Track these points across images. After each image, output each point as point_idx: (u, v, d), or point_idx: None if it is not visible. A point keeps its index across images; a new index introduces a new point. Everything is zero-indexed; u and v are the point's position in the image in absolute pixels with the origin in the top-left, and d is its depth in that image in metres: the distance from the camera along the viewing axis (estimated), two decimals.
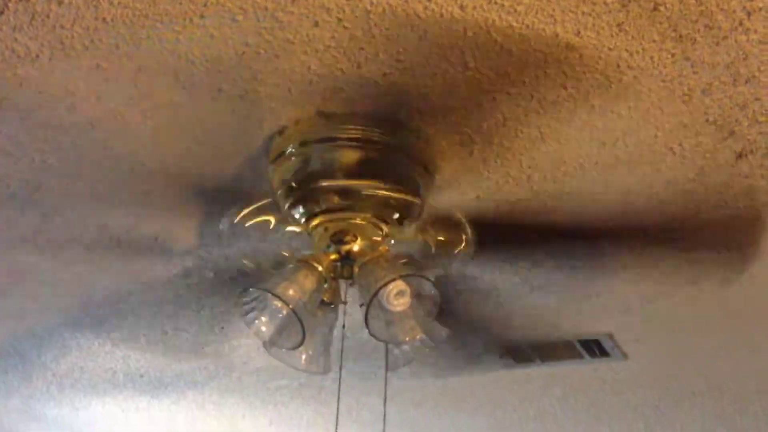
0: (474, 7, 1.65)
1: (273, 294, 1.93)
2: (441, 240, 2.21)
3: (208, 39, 1.74)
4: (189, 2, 1.65)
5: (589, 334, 3.05)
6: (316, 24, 1.70)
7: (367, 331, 1.94)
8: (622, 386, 3.52)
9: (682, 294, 2.73)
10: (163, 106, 1.95)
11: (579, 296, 2.77)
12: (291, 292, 1.94)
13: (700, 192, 2.18)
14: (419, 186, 2.07)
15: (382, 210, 2.06)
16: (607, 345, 3.10)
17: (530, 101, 1.90)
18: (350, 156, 2.01)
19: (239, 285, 2.74)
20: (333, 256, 2.06)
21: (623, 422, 3.89)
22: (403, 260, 2.16)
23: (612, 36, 1.71)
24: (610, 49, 1.74)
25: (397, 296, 1.91)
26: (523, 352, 3.21)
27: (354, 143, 2.00)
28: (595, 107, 1.91)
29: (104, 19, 1.70)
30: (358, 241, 2.05)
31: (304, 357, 2.12)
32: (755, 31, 1.68)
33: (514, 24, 1.69)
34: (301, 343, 1.95)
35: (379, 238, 2.07)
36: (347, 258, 2.05)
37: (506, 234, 2.40)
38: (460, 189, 2.20)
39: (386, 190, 2.03)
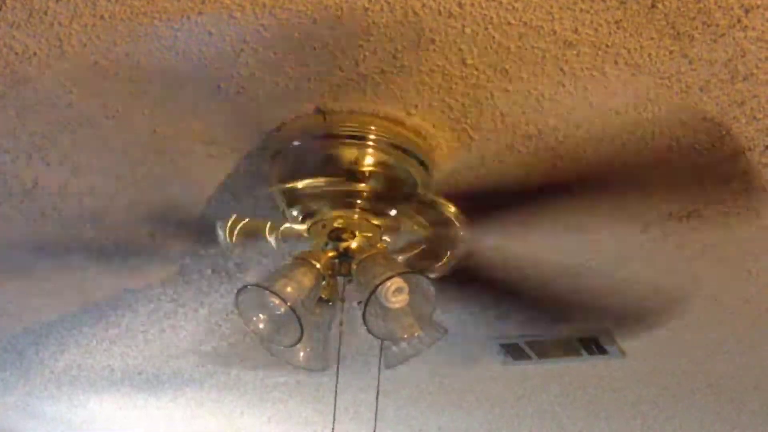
0: (472, 4, 1.65)
1: (271, 291, 1.93)
2: (438, 235, 2.21)
3: (206, 36, 1.74)
4: None
5: (587, 332, 3.05)
6: (315, 21, 1.70)
7: (365, 328, 1.94)
8: (620, 384, 3.52)
9: (680, 291, 2.73)
10: (161, 102, 1.95)
11: (577, 293, 2.77)
12: (289, 289, 1.94)
13: (698, 189, 2.18)
14: (417, 183, 2.07)
15: (380, 207, 2.06)
16: (605, 342, 3.10)
17: (528, 98, 1.90)
18: (348, 153, 2.01)
19: (237, 282, 2.74)
20: (331, 254, 2.05)
21: (621, 419, 3.89)
22: (402, 255, 2.16)
23: (610, 33, 1.71)
24: (608, 46, 1.74)
25: (395, 293, 1.91)
26: (520, 349, 3.21)
27: (352, 140, 2.00)
28: (593, 105, 1.91)
29: (102, 16, 1.70)
30: (356, 238, 2.05)
31: (302, 354, 2.13)
32: (753, 29, 1.68)
33: (512, 21, 1.69)
34: (299, 341, 1.95)
35: (377, 235, 2.07)
36: (345, 255, 2.05)
37: (504, 230, 2.40)
38: (458, 185, 2.20)
39: (384, 187, 2.03)
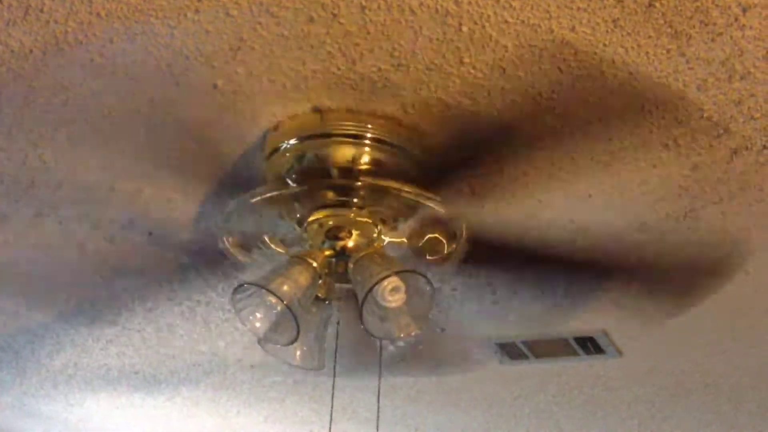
0: (469, 2, 1.65)
1: (267, 290, 1.92)
2: (434, 239, 2.20)
3: (202, 34, 1.74)
4: None
5: (583, 331, 3.05)
6: (311, 19, 1.70)
7: (361, 327, 1.93)
8: (617, 383, 3.52)
9: (676, 290, 2.73)
10: (158, 101, 1.95)
11: (574, 293, 2.77)
12: (285, 288, 1.94)
13: (695, 188, 2.18)
14: (414, 181, 2.06)
15: (376, 206, 2.05)
16: (602, 342, 3.10)
17: (525, 97, 1.90)
18: (345, 152, 2.01)
19: (234, 281, 2.73)
20: (328, 252, 2.05)
21: (618, 419, 3.89)
22: (399, 255, 2.16)
23: (607, 32, 1.71)
24: (605, 45, 1.74)
25: (392, 292, 1.91)
26: (518, 348, 3.21)
27: (349, 139, 2.00)
28: (589, 103, 1.91)
29: (98, 14, 1.69)
30: (353, 237, 2.05)
31: (298, 353, 2.12)
32: (750, 27, 1.68)
33: (510, 19, 1.68)
34: (295, 339, 1.95)
35: (374, 234, 2.07)
36: (342, 254, 2.05)
37: (502, 231, 2.40)
38: (456, 187, 2.20)
39: (381, 185, 2.03)
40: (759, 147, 2.03)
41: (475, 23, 1.70)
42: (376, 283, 1.90)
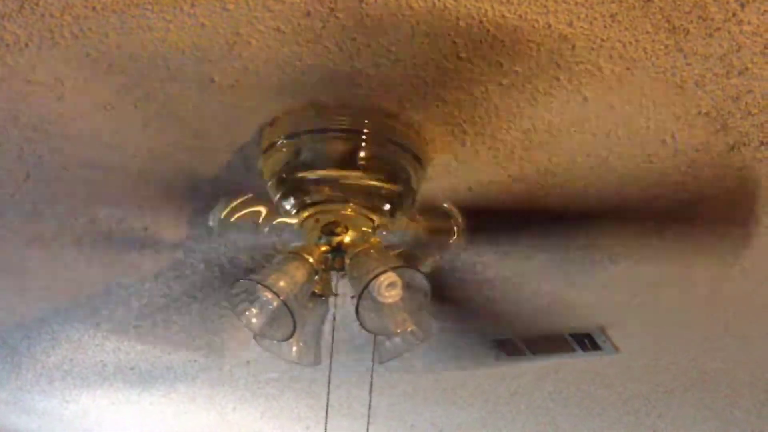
0: None
1: (264, 285, 1.92)
2: (432, 231, 2.20)
3: (198, 28, 1.73)
4: None
5: (580, 328, 3.05)
6: (308, 14, 1.69)
7: (358, 322, 1.93)
8: (614, 380, 3.52)
9: (674, 287, 2.73)
10: (153, 95, 1.94)
11: (571, 290, 2.77)
12: (282, 283, 1.93)
13: (693, 184, 2.18)
14: (411, 177, 2.06)
15: (373, 201, 2.05)
16: (598, 338, 3.10)
17: (523, 92, 1.89)
18: (341, 147, 2.00)
19: (230, 276, 2.73)
20: (324, 248, 2.05)
21: (615, 415, 3.89)
22: (395, 252, 2.16)
23: (605, 27, 1.70)
24: (603, 40, 1.74)
25: (389, 288, 1.91)
26: (514, 345, 3.21)
27: (345, 134, 2.00)
28: (587, 98, 1.90)
29: (94, 8, 1.69)
30: (350, 232, 2.04)
31: (294, 349, 2.12)
32: (749, 23, 1.68)
33: (507, 14, 1.68)
34: (291, 335, 1.94)
35: (370, 230, 2.06)
36: (338, 249, 2.04)
37: (498, 226, 2.39)
38: (452, 180, 2.19)
39: (378, 181, 2.03)
40: (756, 143, 2.02)
41: (473, 18, 1.69)
42: (373, 279, 1.89)
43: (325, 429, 2.79)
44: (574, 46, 1.75)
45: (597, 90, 1.88)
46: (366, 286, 1.89)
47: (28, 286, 2.89)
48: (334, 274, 2.11)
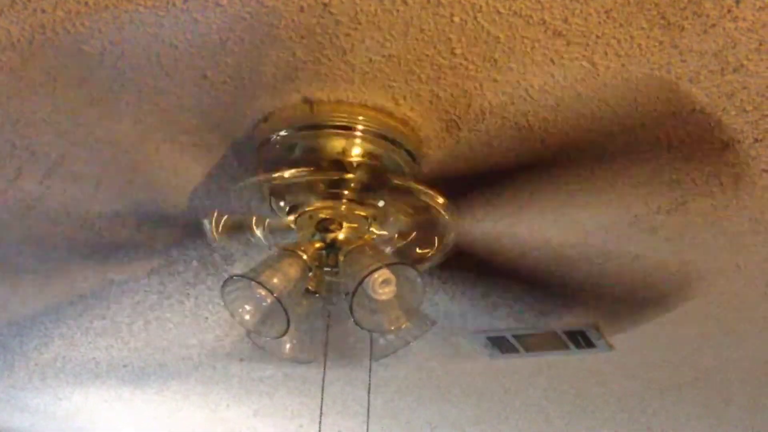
0: None
1: (257, 282, 1.92)
2: (426, 225, 2.19)
3: (191, 23, 1.73)
4: None
5: (574, 325, 3.05)
6: (302, 9, 1.69)
7: (352, 320, 1.92)
8: (607, 377, 3.52)
9: (666, 284, 2.73)
10: (147, 91, 1.93)
11: (563, 286, 2.76)
12: (275, 280, 1.93)
13: (687, 181, 2.18)
14: (405, 172, 2.06)
15: (367, 197, 2.04)
16: (592, 336, 3.10)
17: (517, 88, 1.89)
18: (335, 143, 2.00)
19: (223, 274, 2.72)
20: (318, 245, 2.05)
21: (608, 413, 3.89)
22: (390, 248, 2.15)
23: (600, 23, 1.70)
24: (597, 36, 1.73)
25: (383, 285, 1.90)
26: (508, 342, 3.21)
27: (339, 130, 1.99)
28: (582, 95, 1.90)
29: (86, 3, 1.68)
30: (344, 229, 2.04)
31: (288, 346, 2.12)
32: (744, 19, 1.67)
33: (502, 10, 1.67)
34: (285, 332, 1.94)
35: (364, 226, 2.06)
36: (332, 246, 2.04)
37: (492, 216, 2.39)
38: (447, 175, 2.19)
39: (372, 177, 2.02)
40: (751, 140, 2.02)
41: (467, 14, 1.69)
42: (367, 276, 1.89)
43: (319, 426, 2.79)
44: (568, 42, 1.75)
45: (591, 87, 1.87)
46: (360, 283, 1.88)
47: (21, 284, 2.88)
48: (327, 271, 2.10)
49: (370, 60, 1.82)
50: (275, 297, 1.90)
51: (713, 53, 1.77)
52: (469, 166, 2.15)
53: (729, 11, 1.66)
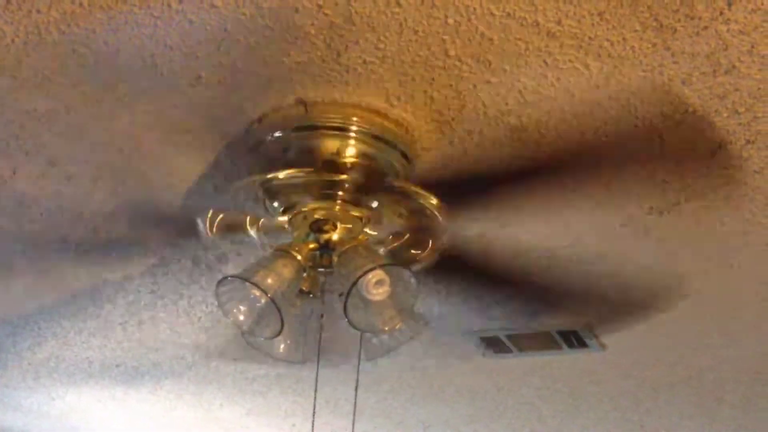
0: None
1: (251, 283, 1.92)
2: (419, 226, 2.20)
3: (186, 25, 1.73)
4: None
5: (567, 325, 3.05)
6: (296, 10, 1.69)
7: (346, 320, 1.93)
8: (600, 377, 3.53)
9: (659, 285, 2.74)
10: (141, 92, 1.94)
11: (556, 286, 2.77)
12: (269, 281, 1.93)
13: (679, 183, 2.19)
14: (399, 174, 2.06)
15: (361, 198, 2.05)
16: (585, 336, 3.11)
17: (511, 90, 1.89)
18: (329, 144, 2.00)
19: (217, 274, 2.73)
20: (312, 245, 2.05)
21: (601, 412, 3.90)
22: (383, 249, 2.16)
23: (593, 25, 1.71)
24: (590, 38, 1.74)
25: (377, 285, 1.91)
26: (501, 342, 3.22)
27: (333, 131, 1.99)
28: (575, 96, 1.91)
29: (81, 4, 1.68)
30: (338, 229, 2.05)
31: (282, 346, 2.12)
32: (736, 21, 1.68)
33: (495, 12, 1.68)
34: (279, 333, 1.94)
35: (358, 227, 2.06)
36: (326, 247, 2.04)
37: (486, 217, 2.39)
38: (440, 176, 2.19)
39: (366, 178, 2.02)
40: (743, 142, 2.03)
41: (461, 15, 1.69)
42: (361, 276, 1.89)
43: (312, 426, 2.79)
44: (562, 44, 1.76)
45: (584, 89, 1.88)
46: (354, 284, 1.89)
47: (14, 283, 2.88)
48: (321, 272, 2.10)
49: (364, 61, 1.83)
50: (269, 297, 1.90)
51: (705, 55, 1.78)
52: (463, 167, 2.16)
53: (721, 14, 1.67)
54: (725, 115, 1.95)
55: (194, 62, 1.84)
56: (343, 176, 2.01)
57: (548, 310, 2.97)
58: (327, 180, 2.03)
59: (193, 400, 3.96)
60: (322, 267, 2.07)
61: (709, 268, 2.59)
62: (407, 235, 2.20)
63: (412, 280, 1.94)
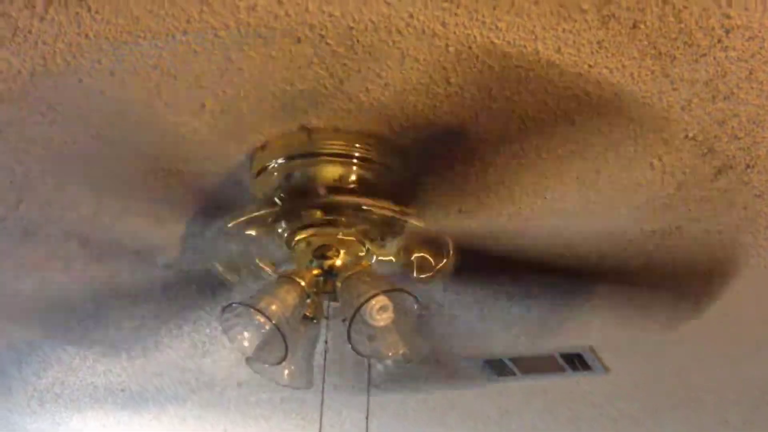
0: (456, 24, 1.66)
1: (255, 309, 1.93)
2: (422, 257, 2.21)
3: (190, 55, 1.75)
4: (172, 18, 1.65)
5: (571, 348, 3.06)
6: (299, 40, 1.71)
7: (349, 345, 1.94)
8: (603, 399, 3.53)
9: (661, 307, 2.74)
10: (145, 121, 1.95)
11: (560, 310, 2.78)
12: (273, 307, 1.94)
13: (680, 207, 2.20)
14: (402, 202, 2.07)
15: (364, 225, 2.06)
16: (588, 358, 3.11)
17: (511, 117, 1.91)
18: (333, 171, 2.02)
19: (221, 299, 2.73)
20: (315, 271, 2.05)
21: None
22: (387, 274, 2.17)
23: (592, 53, 1.72)
24: (590, 66, 1.76)
25: (380, 311, 1.91)
26: (504, 365, 3.22)
27: (336, 158, 2.01)
28: (575, 123, 1.92)
29: (87, 35, 1.70)
30: (341, 256, 2.05)
31: (286, 372, 2.12)
32: (734, 49, 1.70)
33: (496, 41, 1.70)
34: (284, 359, 1.95)
35: (362, 253, 2.07)
36: (330, 273, 2.05)
37: (488, 248, 2.40)
38: (443, 204, 2.21)
39: (368, 205, 2.04)
40: (743, 166, 2.04)
41: (462, 44, 1.71)
42: (364, 302, 1.90)
43: None
44: (561, 72, 1.77)
45: (585, 115, 1.89)
46: (357, 310, 1.90)
47: (19, 309, 2.88)
48: (325, 297, 2.11)
49: (367, 89, 1.84)
50: (273, 324, 1.91)
51: (704, 82, 1.79)
52: (465, 193, 2.18)
53: (719, 41, 1.68)
54: (725, 140, 1.96)
55: (198, 91, 1.86)
56: (346, 203, 2.02)
57: (551, 332, 2.97)
58: (329, 206, 2.04)
59: (196, 425, 3.95)
60: (326, 293, 2.08)
61: (711, 290, 2.60)
62: (411, 259, 2.21)
63: (416, 305, 1.95)
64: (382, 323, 1.93)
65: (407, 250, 2.18)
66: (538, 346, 3.07)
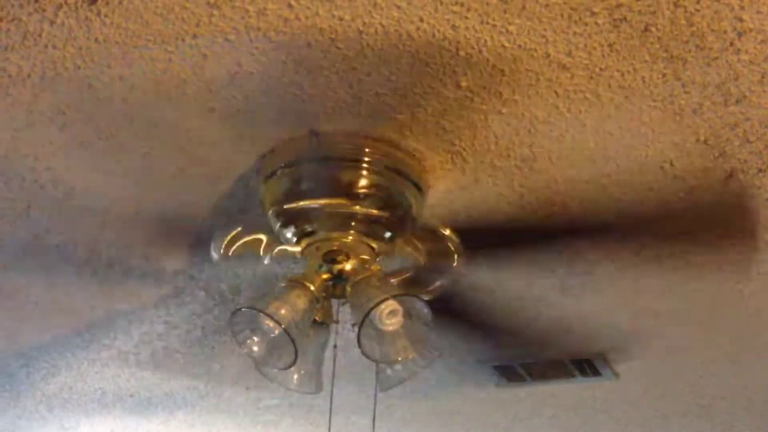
0: (466, 28, 1.65)
1: (265, 314, 1.92)
2: (432, 257, 2.21)
3: (200, 59, 1.74)
4: (181, 22, 1.65)
5: (581, 354, 3.05)
6: (309, 44, 1.70)
7: (359, 350, 1.93)
8: (613, 405, 3.52)
9: (673, 313, 2.73)
10: (154, 125, 1.95)
11: (570, 316, 2.77)
12: (283, 311, 1.93)
13: (691, 211, 2.19)
14: (411, 204, 2.07)
15: (374, 229, 2.05)
16: (598, 364, 3.10)
17: (522, 120, 1.90)
18: (342, 175, 2.01)
19: (230, 304, 2.73)
20: (325, 276, 2.05)
21: None
22: (396, 279, 2.16)
23: (603, 56, 1.72)
24: (601, 69, 1.75)
25: (390, 316, 1.91)
26: (514, 371, 3.21)
27: (346, 162, 2.00)
28: (586, 126, 1.92)
29: (96, 39, 1.70)
30: (351, 260, 2.05)
31: (296, 377, 2.12)
32: (746, 52, 1.69)
33: (506, 44, 1.69)
34: (293, 363, 1.94)
35: (371, 257, 2.07)
36: (339, 277, 2.04)
37: (497, 253, 2.40)
38: (452, 206, 2.20)
39: (378, 209, 2.03)
40: (755, 170, 2.03)
41: (472, 48, 1.70)
42: (374, 307, 1.90)
43: None
44: (573, 75, 1.77)
45: (596, 118, 1.89)
46: (367, 314, 1.89)
47: (28, 314, 2.88)
48: (335, 302, 2.11)
49: (377, 93, 1.84)
50: (283, 328, 1.90)
51: (716, 85, 1.78)
52: (475, 197, 2.17)
53: (731, 44, 1.68)
54: (737, 144, 1.96)
55: (207, 95, 1.85)
56: (356, 207, 2.02)
57: (561, 339, 2.96)
58: (339, 211, 2.04)
59: (205, 430, 3.95)
60: (336, 297, 2.07)
61: (722, 297, 2.59)
62: (421, 265, 2.21)
63: (425, 310, 1.94)
64: (391, 328, 1.93)
65: (417, 251, 2.18)
66: (548, 352, 3.06)
